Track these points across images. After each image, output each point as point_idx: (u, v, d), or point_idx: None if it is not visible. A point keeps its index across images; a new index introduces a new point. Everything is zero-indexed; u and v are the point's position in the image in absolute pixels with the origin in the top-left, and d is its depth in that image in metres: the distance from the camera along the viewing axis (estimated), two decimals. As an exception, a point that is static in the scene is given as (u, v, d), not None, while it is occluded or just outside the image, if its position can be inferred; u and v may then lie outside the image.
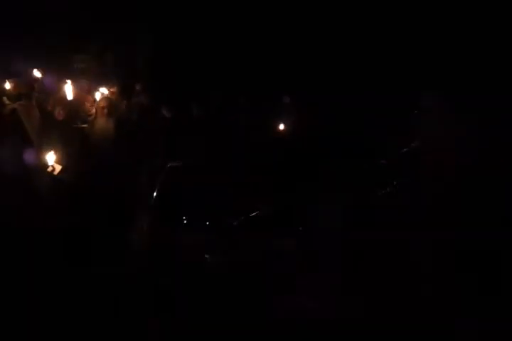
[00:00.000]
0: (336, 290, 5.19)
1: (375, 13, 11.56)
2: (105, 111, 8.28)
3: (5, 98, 8.23)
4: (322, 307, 5.14)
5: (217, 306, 5.36)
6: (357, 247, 5.37)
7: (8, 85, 8.35)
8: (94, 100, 8.60)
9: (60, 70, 10.06)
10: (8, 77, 8.52)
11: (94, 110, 8.32)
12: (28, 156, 6.93)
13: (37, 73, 9.07)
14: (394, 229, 5.49)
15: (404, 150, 6.17)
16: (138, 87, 10.48)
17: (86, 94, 8.73)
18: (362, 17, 11.75)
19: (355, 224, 5.49)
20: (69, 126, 7.81)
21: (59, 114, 7.75)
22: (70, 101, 8.17)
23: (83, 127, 8.15)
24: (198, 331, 5.16)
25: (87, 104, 8.36)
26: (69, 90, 8.21)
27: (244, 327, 5.06)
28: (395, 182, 6.28)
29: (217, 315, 5.26)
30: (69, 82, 8.41)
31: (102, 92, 9.12)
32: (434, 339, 4.68)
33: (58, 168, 6.72)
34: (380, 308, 4.93)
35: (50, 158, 6.68)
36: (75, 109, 8.20)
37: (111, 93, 9.52)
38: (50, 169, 6.66)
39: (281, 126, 8.30)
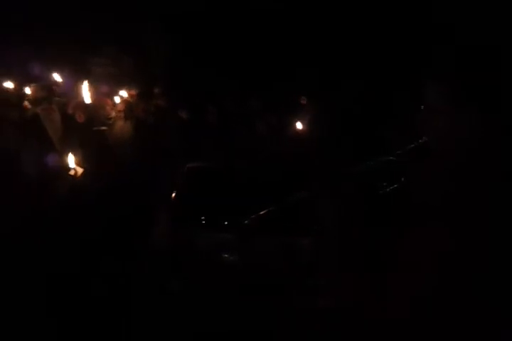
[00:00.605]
0: (352, 289, 5.25)
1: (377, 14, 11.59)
2: (124, 113, 8.45)
3: (26, 102, 8.40)
4: (339, 307, 5.20)
5: (232, 304, 5.47)
6: (366, 244, 5.43)
7: (28, 90, 8.52)
8: (114, 103, 8.75)
9: (80, 74, 10.23)
10: (29, 82, 8.70)
11: (113, 113, 8.46)
12: (50, 160, 7.11)
13: (57, 77, 9.23)
14: (403, 226, 5.54)
15: (412, 146, 6.18)
16: (156, 90, 10.62)
17: (105, 97, 8.88)
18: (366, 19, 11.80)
19: (364, 221, 5.54)
20: (89, 129, 7.99)
21: (79, 117, 7.94)
22: (90, 104, 8.33)
23: (103, 130, 8.31)
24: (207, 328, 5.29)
25: (107, 107, 8.50)
26: (88, 94, 8.37)
27: (260, 325, 5.15)
28: (402, 179, 6.32)
29: (231, 312, 5.37)
30: (88, 85, 8.54)
31: (121, 95, 9.29)
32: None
33: (80, 170, 6.87)
34: (396, 306, 4.97)
35: (72, 161, 6.84)
36: (94, 112, 8.37)
37: (130, 96, 9.68)
38: (72, 172, 6.82)
39: (299, 126, 8.33)
